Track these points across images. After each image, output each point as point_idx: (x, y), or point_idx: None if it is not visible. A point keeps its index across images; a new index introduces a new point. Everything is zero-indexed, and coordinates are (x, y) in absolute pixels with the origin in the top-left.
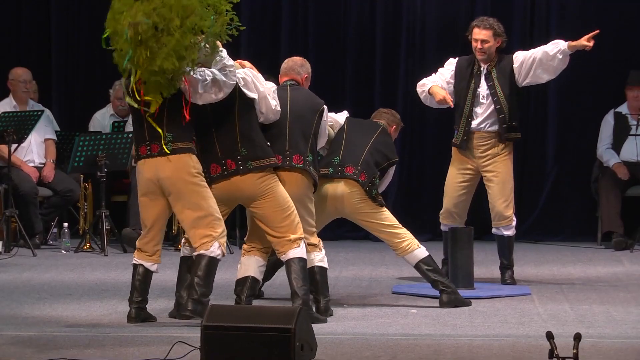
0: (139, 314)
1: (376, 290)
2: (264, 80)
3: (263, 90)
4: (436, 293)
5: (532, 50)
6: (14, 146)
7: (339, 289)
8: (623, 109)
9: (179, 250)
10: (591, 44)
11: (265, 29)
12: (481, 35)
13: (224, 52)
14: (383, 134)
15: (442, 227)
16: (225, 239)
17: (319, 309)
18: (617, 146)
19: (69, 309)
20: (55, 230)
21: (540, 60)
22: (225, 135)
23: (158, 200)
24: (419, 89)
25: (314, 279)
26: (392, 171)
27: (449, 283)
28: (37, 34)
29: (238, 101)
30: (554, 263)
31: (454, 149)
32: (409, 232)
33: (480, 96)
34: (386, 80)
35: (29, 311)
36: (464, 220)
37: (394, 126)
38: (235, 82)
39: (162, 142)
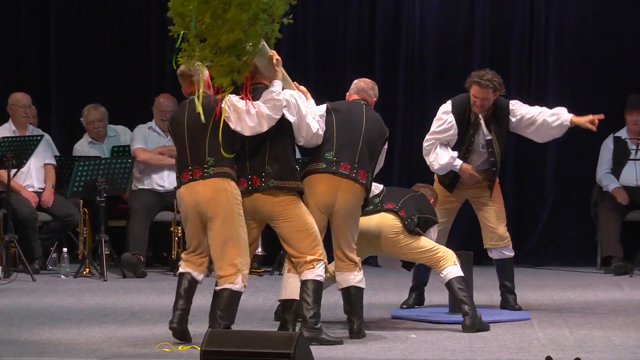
0: (181, 321)
1: (375, 315)
2: (313, 104)
3: (305, 115)
4: (435, 318)
5: (531, 110)
6: (13, 171)
7: (338, 313)
8: (622, 133)
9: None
10: (594, 128)
11: None
12: (482, 94)
13: (277, 85)
14: (422, 196)
15: None
16: (247, 270)
17: (352, 330)
18: (616, 171)
19: (68, 334)
20: (54, 255)
21: (540, 126)
22: (256, 152)
23: (199, 225)
24: (443, 167)
25: (350, 299)
26: (432, 230)
27: (474, 307)
28: (36, 58)
29: None
30: (553, 288)
31: (438, 185)
32: (448, 249)
33: (480, 145)
34: (385, 93)
35: (28, 336)
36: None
37: (432, 200)
38: (279, 117)
39: (204, 166)
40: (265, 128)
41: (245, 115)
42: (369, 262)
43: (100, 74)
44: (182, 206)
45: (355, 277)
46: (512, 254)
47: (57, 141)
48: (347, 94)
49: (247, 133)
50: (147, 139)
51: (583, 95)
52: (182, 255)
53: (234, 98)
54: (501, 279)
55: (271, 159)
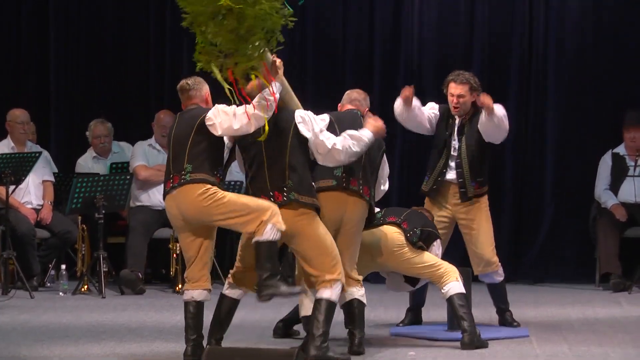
0: (195, 351)
1: (374, 332)
2: (321, 121)
3: (319, 132)
4: (434, 335)
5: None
6: (11, 188)
7: (337, 329)
8: (621, 149)
9: (178, 292)
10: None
11: None
12: (457, 90)
13: (272, 86)
14: (422, 213)
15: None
16: (278, 216)
17: (353, 343)
18: (615, 187)
19: (67, 351)
20: (53, 272)
21: (481, 124)
22: (275, 168)
23: (189, 234)
24: (395, 109)
25: (352, 312)
26: (436, 245)
27: (474, 324)
28: (35, 74)
29: (292, 135)
30: (552, 304)
31: (426, 198)
32: (451, 265)
33: (453, 149)
34: (385, 100)
35: (27, 353)
36: None
37: (430, 218)
38: (268, 117)
39: (181, 173)
40: (252, 128)
41: (232, 118)
42: (368, 280)
43: (99, 90)
44: (170, 218)
45: (359, 291)
46: (502, 277)
47: (56, 158)
48: (340, 104)
49: (232, 135)
50: (147, 156)
51: (581, 111)
52: (184, 275)
53: (219, 105)
54: (495, 302)
55: (291, 173)
